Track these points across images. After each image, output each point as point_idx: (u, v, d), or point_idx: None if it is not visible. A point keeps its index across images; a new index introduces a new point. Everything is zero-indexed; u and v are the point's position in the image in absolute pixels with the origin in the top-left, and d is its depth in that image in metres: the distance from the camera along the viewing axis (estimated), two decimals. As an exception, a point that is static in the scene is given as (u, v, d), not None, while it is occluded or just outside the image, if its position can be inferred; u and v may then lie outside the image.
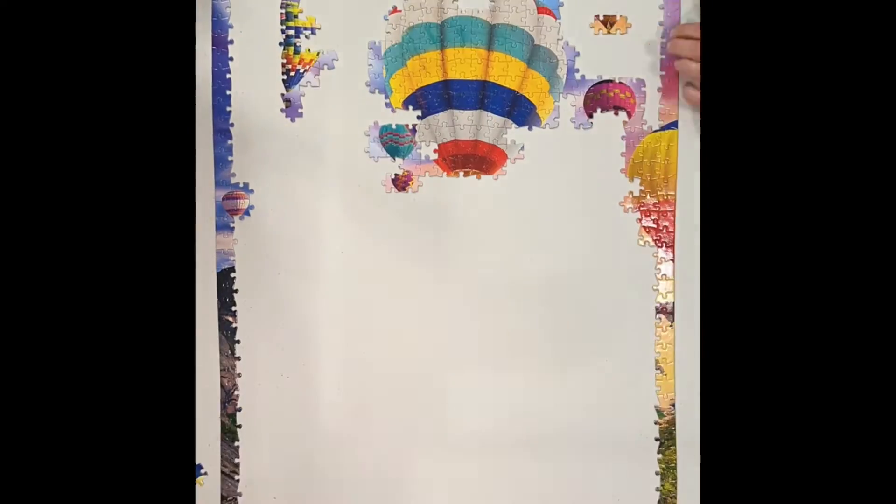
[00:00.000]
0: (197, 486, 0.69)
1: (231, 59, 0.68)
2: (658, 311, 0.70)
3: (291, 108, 0.68)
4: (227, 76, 0.68)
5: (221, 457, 0.69)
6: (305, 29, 0.68)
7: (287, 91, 0.68)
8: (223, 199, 0.68)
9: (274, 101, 0.68)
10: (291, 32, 0.68)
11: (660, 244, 0.69)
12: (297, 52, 0.68)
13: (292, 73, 0.68)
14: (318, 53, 0.68)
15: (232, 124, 0.68)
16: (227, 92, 0.68)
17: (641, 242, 0.69)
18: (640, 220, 0.69)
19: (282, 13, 0.68)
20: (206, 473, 0.69)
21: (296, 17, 0.68)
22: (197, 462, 0.69)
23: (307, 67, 0.68)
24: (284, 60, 0.68)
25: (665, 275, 0.69)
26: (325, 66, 0.68)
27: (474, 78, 0.68)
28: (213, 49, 0.68)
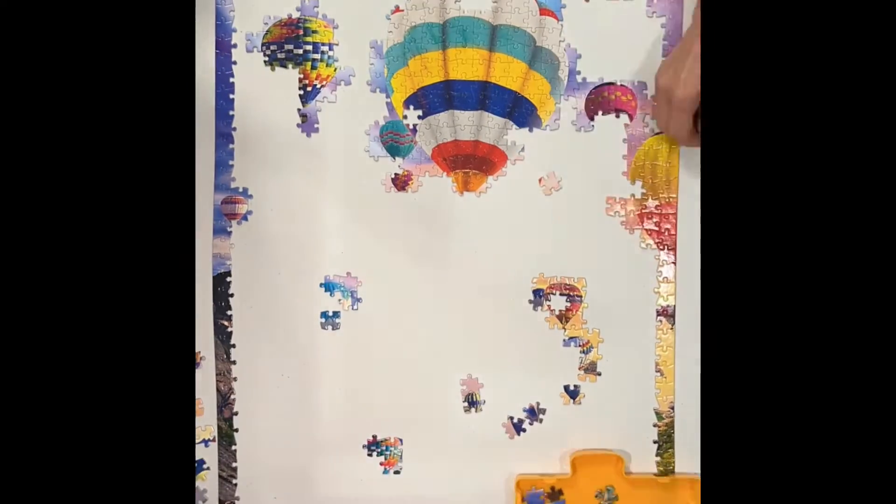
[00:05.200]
0: (199, 482, 0.71)
1: (234, 62, 0.68)
2: (659, 313, 0.69)
3: (308, 123, 0.69)
4: (231, 80, 0.68)
5: (219, 460, 0.70)
6: (323, 45, 0.68)
7: (304, 106, 0.69)
8: (222, 203, 0.69)
9: (290, 115, 0.68)
10: (309, 48, 0.68)
11: (661, 247, 0.69)
12: (314, 67, 0.68)
13: (309, 89, 0.68)
14: (335, 69, 0.68)
15: (234, 128, 0.69)
16: (231, 96, 0.69)
17: (643, 245, 0.69)
18: (642, 222, 0.69)
19: (300, 30, 0.68)
20: (208, 468, 0.71)
21: (315, 32, 0.68)
22: (198, 458, 0.70)
23: (324, 83, 0.68)
24: (302, 76, 0.68)
25: (666, 277, 0.69)
26: (342, 83, 0.69)
27: (475, 78, 0.68)
28: (216, 52, 0.68)
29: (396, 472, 0.70)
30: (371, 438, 0.70)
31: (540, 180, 0.69)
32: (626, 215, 0.69)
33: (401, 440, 0.70)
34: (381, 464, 0.70)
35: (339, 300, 0.69)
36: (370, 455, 0.70)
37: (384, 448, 0.70)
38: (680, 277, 0.69)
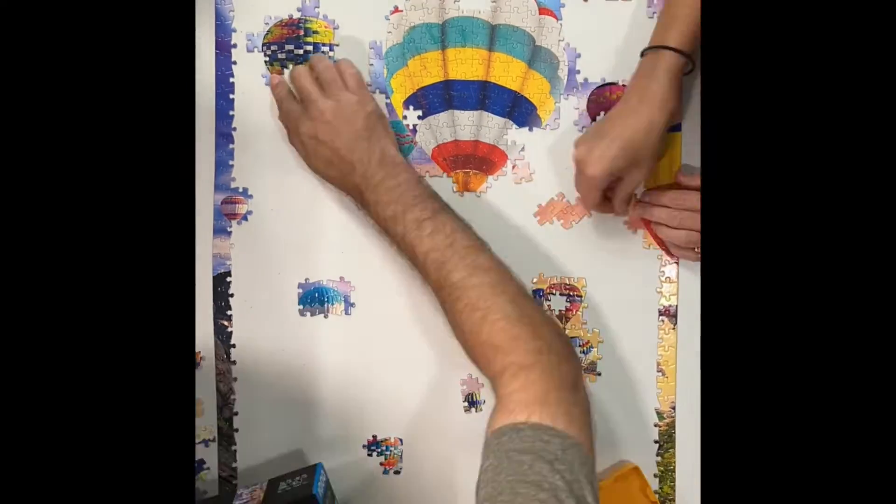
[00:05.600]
0: (199, 482, 0.70)
1: (234, 62, 0.68)
2: (661, 313, 0.69)
3: None
4: (231, 80, 0.69)
5: (219, 460, 0.70)
6: (324, 45, 0.68)
7: None
8: (222, 203, 0.69)
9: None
10: (310, 48, 0.69)
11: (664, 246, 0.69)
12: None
13: None
14: None
15: (234, 128, 0.69)
16: (231, 96, 0.69)
17: (646, 245, 0.69)
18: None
19: (300, 30, 0.69)
20: (208, 468, 0.71)
21: (315, 32, 0.68)
22: (198, 458, 0.70)
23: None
24: None
25: (669, 277, 0.69)
26: None
27: (475, 78, 0.68)
28: (216, 52, 0.68)
29: (396, 472, 0.70)
30: (371, 438, 0.70)
31: (543, 180, 0.68)
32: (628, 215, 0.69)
33: (401, 440, 0.70)
34: (381, 464, 0.70)
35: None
36: (370, 455, 0.70)
37: (384, 448, 0.70)
38: (682, 277, 0.69)
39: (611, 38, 0.67)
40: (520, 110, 0.69)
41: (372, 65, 0.68)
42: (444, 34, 0.68)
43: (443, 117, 0.69)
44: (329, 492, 0.65)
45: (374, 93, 0.68)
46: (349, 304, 0.69)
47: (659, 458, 0.70)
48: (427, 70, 0.68)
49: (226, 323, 0.70)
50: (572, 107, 0.68)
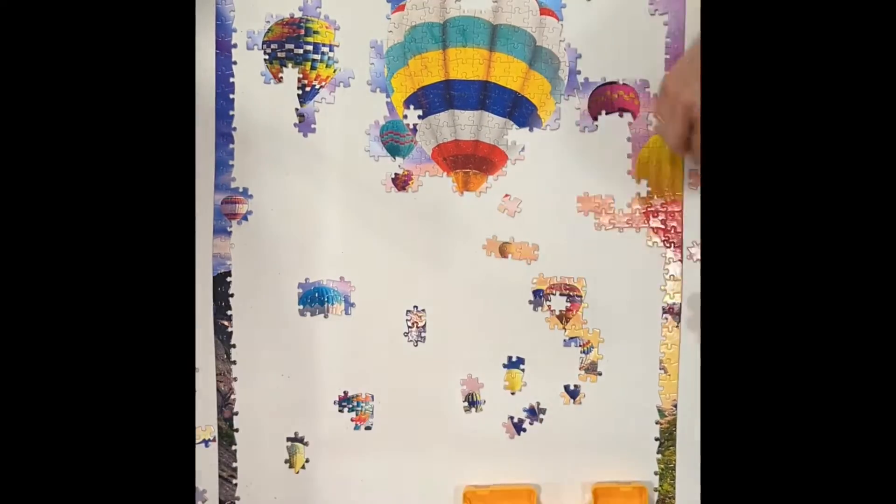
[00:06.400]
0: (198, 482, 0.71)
1: (235, 62, 0.68)
2: (665, 311, 0.69)
3: (305, 123, 0.69)
4: (231, 80, 0.69)
5: (219, 461, 0.70)
6: (324, 45, 0.69)
7: (301, 106, 0.69)
8: (222, 202, 0.69)
9: (289, 115, 0.69)
10: (310, 48, 0.69)
11: (667, 245, 0.69)
12: (313, 68, 0.68)
13: (308, 89, 0.68)
14: (335, 70, 0.68)
15: (234, 128, 0.69)
16: (231, 96, 0.69)
17: (650, 243, 0.69)
18: (648, 220, 0.69)
19: (301, 29, 0.69)
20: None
21: (316, 32, 0.68)
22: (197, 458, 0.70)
23: (323, 84, 0.68)
24: (301, 76, 0.68)
25: (673, 275, 0.69)
26: (342, 84, 0.69)
27: (476, 78, 0.68)
28: (216, 52, 0.68)
29: (397, 473, 0.70)
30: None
31: (545, 180, 0.69)
32: (631, 213, 0.69)
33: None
34: (382, 464, 0.70)
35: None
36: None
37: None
38: (686, 275, 0.69)
39: (611, 39, 0.67)
40: (520, 110, 0.69)
41: (372, 64, 0.68)
42: (445, 34, 0.68)
43: (443, 117, 0.69)
44: None
45: (375, 92, 0.69)
46: (349, 304, 0.69)
47: (660, 456, 0.70)
48: (428, 70, 0.68)
49: (226, 323, 0.70)
50: (573, 107, 0.68)
